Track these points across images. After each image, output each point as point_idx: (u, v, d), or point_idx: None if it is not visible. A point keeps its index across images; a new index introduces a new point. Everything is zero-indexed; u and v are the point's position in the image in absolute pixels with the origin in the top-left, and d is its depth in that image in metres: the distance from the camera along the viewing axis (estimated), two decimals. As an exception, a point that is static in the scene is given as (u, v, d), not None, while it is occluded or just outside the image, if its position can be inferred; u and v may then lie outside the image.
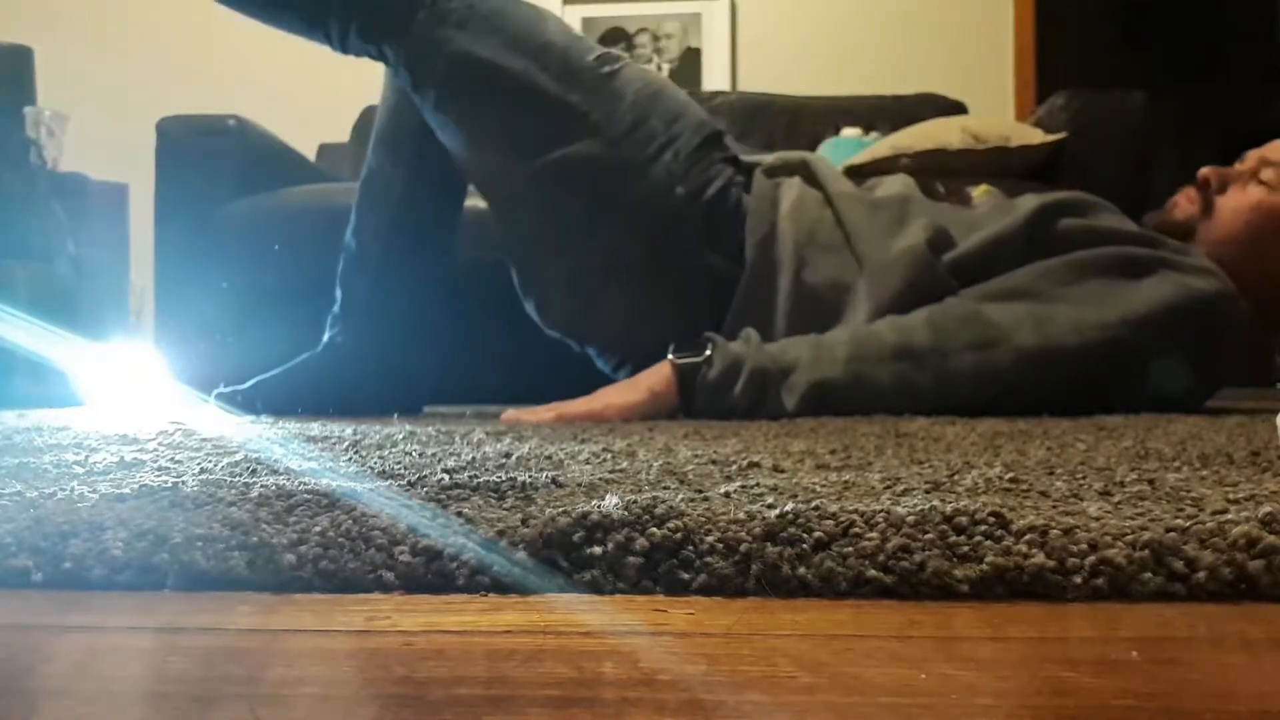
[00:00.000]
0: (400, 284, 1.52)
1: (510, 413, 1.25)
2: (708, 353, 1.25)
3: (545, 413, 1.24)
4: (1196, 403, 1.39)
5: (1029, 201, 1.40)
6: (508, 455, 0.72)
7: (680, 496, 0.48)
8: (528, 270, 1.49)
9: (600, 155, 1.40)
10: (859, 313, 1.34)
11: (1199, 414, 1.28)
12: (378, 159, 1.55)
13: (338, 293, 1.54)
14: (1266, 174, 1.38)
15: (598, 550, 0.42)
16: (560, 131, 1.40)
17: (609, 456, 0.71)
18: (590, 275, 1.44)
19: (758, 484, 0.54)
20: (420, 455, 0.71)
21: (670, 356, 1.27)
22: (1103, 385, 1.29)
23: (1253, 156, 1.41)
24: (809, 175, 1.48)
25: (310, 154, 2.77)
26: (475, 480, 0.54)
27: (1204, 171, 1.43)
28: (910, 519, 0.42)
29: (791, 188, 1.45)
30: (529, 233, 1.46)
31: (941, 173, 2.16)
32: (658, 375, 1.27)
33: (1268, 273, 1.36)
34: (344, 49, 1.45)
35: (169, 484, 0.51)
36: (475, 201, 1.56)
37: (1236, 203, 1.39)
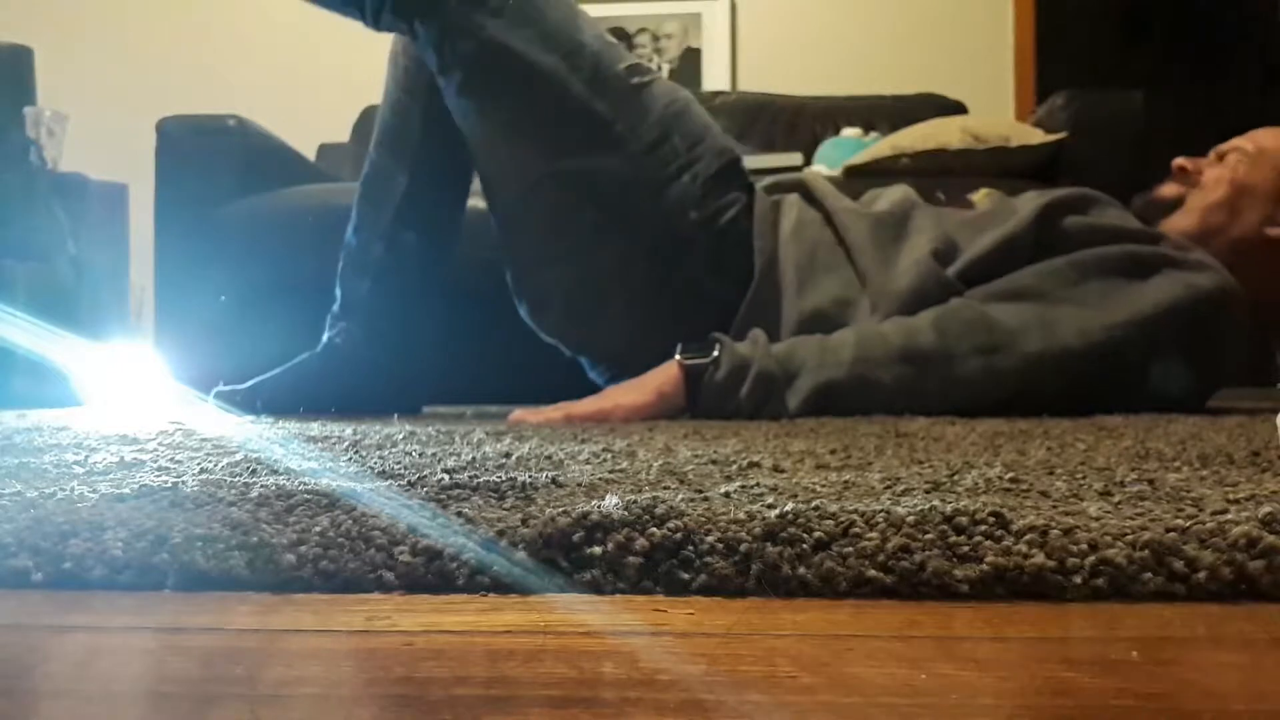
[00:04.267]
0: (401, 284, 1.52)
1: (518, 413, 1.25)
2: (715, 353, 1.25)
3: (552, 413, 1.24)
4: (1199, 402, 1.40)
5: (1032, 201, 1.40)
6: (508, 455, 0.72)
7: (680, 496, 0.48)
8: (526, 274, 1.48)
9: (618, 169, 1.39)
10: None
11: (1199, 414, 1.28)
12: (380, 157, 1.54)
13: (337, 292, 1.54)
14: (1229, 158, 1.46)
15: (598, 550, 0.42)
16: (582, 139, 1.39)
17: (609, 456, 0.71)
18: (592, 288, 1.43)
19: (758, 484, 0.54)
20: (420, 455, 0.71)
21: (678, 356, 1.27)
22: (1108, 386, 1.30)
23: (1215, 150, 1.50)
24: (807, 194, 1.48)
25: (310, 154, 2.77)
26: (475, 480, 0.54)
27: (1179, 161, 1.50)
28: (910, 519, 0.42)
29: (791, 207, 1.45)
30: (533, 236, 1.45)
31: (942, 173, 2.16)
32: (665, 376, 1.27)
33: (1247, 240, 1.43)
34: (376, 25, 1.43)
35: (169, 484, 0.51)
36: (476, 201, 1.56)
37: (1217, 173, 1.46)
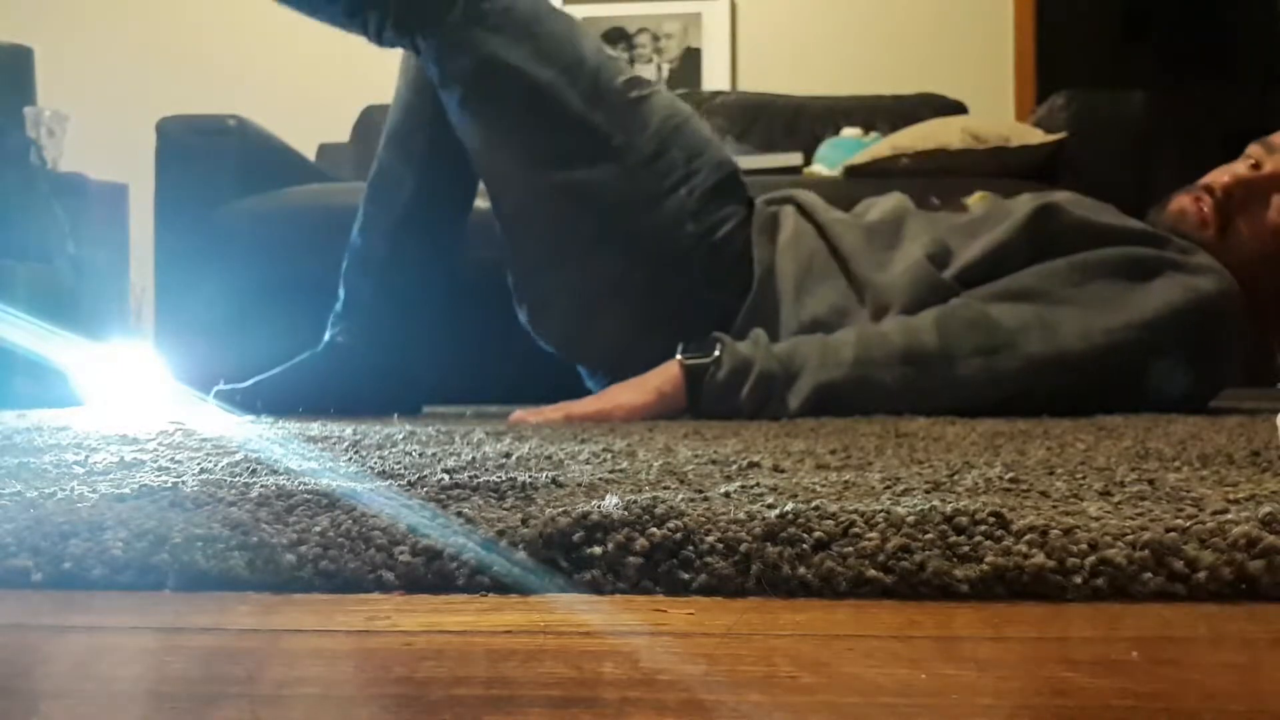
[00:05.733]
0: (404, 286, 1.52)
1: (519, 413, 1.25)
2: (716, 353, 1.25)
3: (553, 413, 1.24)
4: (1200, 404, 1.40)
5: (1025, 204, 1.40)
6: (508, 455, 0.72)
7: (680, 496, 0.48)
8: (527, 279, 1.49)
9: (616, 182, 1.39)
10: None
11: (1199, 414, 1.28)
12: (388, 158, 1.54)
13: (341, 291, 1.54)
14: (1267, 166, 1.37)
15: (598, 550, 0.42)
16: (579, 151, 1.39)
17: (609, 456, 0.71)
18: (590, 293, 1.44)
19: (758, 484, 0.54)
20: (420, 455, 0.71)
21: (679, 356, 1.27)
22: (1108, 388, 1.29)
23: (1254, 152, 1.40)
24: (799, 208, 1.49)
25: (310, 154, 2.77)
26: (475, 480, 0.54)
27: (1223, 181, 1.40)
28: (910, 519, 0.42)
29: (789, 218, 1.46)
30: (534, 243, 1.46)
31: (941, 173, 2.15)
32: (666, 375, 1.27)
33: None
34: (379, 41, 1.44)
35: (169, 484, 0.51)
36: (480, 202, 1.56)
37: (1255, 228, 1.38)
